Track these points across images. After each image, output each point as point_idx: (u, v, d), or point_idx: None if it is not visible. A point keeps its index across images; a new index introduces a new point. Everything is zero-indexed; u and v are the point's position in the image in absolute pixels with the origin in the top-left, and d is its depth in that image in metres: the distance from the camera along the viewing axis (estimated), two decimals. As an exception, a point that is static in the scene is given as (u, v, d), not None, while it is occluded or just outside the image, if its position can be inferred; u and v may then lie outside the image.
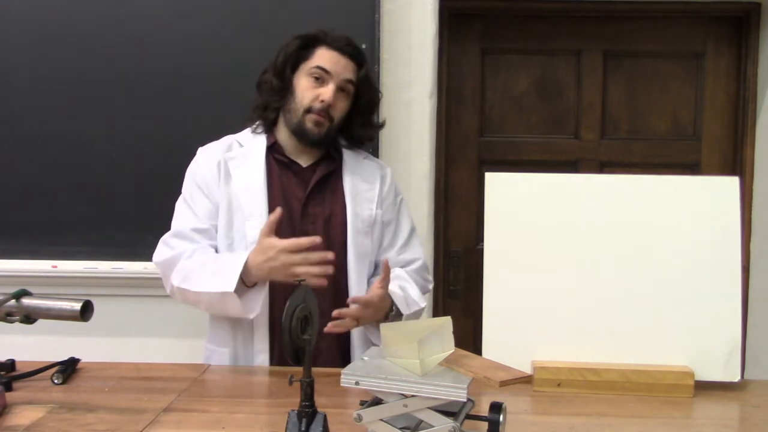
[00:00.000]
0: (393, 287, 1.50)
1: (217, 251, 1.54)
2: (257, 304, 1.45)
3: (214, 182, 1.55)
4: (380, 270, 1.63)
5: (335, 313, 1.39)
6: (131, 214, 2.21)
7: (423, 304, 1.57)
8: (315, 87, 1.53)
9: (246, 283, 1.43)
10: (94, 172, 2.22)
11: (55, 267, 2.24)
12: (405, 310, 1.51)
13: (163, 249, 1.53)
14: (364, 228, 1.58)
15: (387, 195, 1.66)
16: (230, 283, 1.39)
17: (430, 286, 1.73)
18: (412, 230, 1.70)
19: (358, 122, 1.62)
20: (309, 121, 1.53)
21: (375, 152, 2.12)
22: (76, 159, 2.22)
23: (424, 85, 2.25)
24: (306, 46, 1.55)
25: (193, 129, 2.10)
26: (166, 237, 1.55)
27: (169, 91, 2.19)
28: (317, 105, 1.52)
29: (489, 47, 2.48)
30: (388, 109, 2.21)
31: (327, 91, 1.52)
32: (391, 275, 1.53)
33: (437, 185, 2.39)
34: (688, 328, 1.35)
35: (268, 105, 1.59)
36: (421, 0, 2.23)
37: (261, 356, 1.52)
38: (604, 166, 2.48)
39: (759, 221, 2.42)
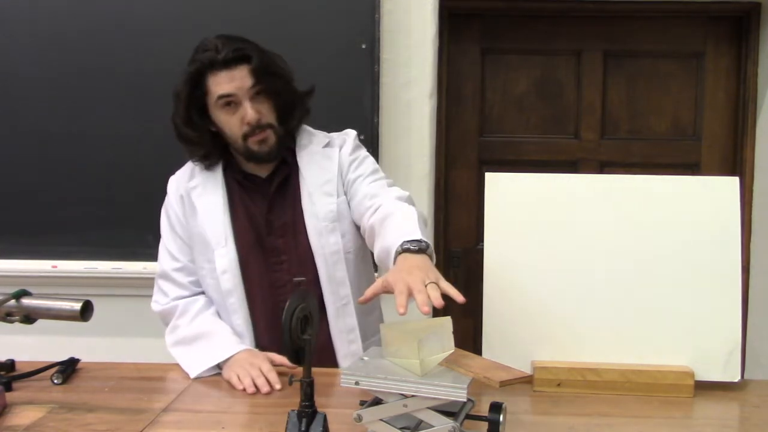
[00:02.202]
0: (384, 241, 1.33)
1: (200, 283, 1.56)
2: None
3: (183, 218, 1.55)
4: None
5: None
6: (131, 214, 2.21)
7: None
8: (232, 113, 1.46)
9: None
10: (94, 172, 2.22)
11: (55, 267, 2.24)
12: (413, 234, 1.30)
13: (158, 295, 1.58)
14: (327, 226, 1.51)
15: (346, 167, 1.56)
16: (194, 371, 1.42)
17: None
18: (376, 172, 1.56)
19: (285, 102, 1.52)
20: (252, 145, 1.47)
21: (375, 152, 2.11)
22: (76, 159, 2.22)
23: (424, 85, 2.25)
24: (197, 84, 1.48)
25: (193, 129, 2.09)
26: (157, 279, 1.59)
27: (170, 91, 2.18)
28: (247, 128, 1.46)
29: (489, 47, 2.48)
30: (388, 109, 2.21)
31: (246, 112, 1.44)
32: (377, 216, 1.40)
33: (437, 185, 2.39)
34: (688, 328, 1.35)
35: (208, 154, 1.54)
36: (421, 0, 2.23)
37: None
38: (604, 166, 2.48)
39: (759, 221, 2.42)
